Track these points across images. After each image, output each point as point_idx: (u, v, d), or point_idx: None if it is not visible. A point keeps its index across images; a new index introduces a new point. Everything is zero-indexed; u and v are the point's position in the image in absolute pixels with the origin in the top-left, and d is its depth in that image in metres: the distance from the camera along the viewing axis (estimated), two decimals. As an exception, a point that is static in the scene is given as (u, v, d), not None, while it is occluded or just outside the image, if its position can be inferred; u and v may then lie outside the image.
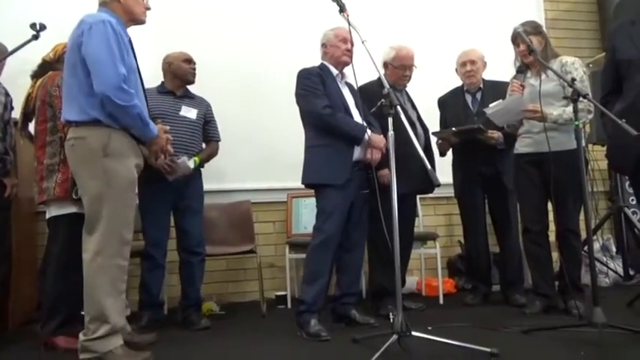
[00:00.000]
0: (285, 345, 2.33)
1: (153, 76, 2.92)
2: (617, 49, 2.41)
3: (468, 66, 3.19)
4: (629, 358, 1.85)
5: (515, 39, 2.72)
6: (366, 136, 2.50)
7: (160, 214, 2.78)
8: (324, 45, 2.73)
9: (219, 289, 3.56)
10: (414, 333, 1.97)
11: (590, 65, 4.18)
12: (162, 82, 2.97)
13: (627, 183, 4.07)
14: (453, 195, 3.34)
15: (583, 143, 2.79)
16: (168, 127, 2.31)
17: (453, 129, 3.02)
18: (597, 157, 3.39)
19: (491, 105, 2.79)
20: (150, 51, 2.93)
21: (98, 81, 1.96)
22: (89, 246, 1.99)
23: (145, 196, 2.72)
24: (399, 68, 2.96)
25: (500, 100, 2.81)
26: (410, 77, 3.02)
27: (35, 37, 2.45)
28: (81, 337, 1.97)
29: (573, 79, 2.23)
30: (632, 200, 4.06)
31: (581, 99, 2.20)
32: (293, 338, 2.41)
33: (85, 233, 2.02)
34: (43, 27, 2.45)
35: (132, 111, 2.00)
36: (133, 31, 2.23)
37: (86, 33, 1.98)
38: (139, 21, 2.21)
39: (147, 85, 2.77)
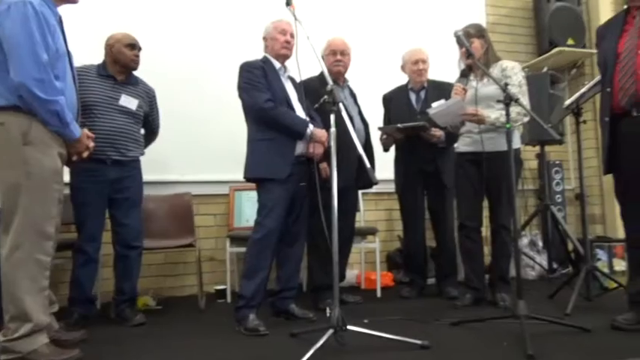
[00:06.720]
0: (222, 340, 2.30)
1: (92, 56, 2.76)
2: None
3: (420, 64, 3.24)
4: (547, 346, 1.98)
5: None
6: (308, 131, 2.51)
7: (95, 206, 2.64)
8: (264, 38, 2.69)
9: (156, 283, 3.47)
10: (349, 327, 2.01)
11: (526, 69, 4.40)
12: (104, 62, 2.75)
13: (554, 182, 4.35)
14: (394, 190, 3.42)
15: (519, 144, 2.96)
16: (94, 135, 2.20)
17: (398, 125, 3.08)
18: (528, 157, 3.59)
19: (433, 105, 2.86)
20: (90, 30, 2.76)
21: (15, 69, 1.82)
22: (6, 241, 1.87)
23: (79, 188, 2.61)
24: (330, 54, 3.01)
25: (443, 101, 2.89)
26: (344, 64, 3.03)
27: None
28: (0, 337, 1.86)
29: (506, 84, 2.32)
30: (559, 198, 4.34)
31: (513, 103, 2.30)
32: (231, 333, 2.39)
33: (1, 228, 1.89)
34: None
35: (51, 107, 1.88)
36: (73, 7, 2.11)
37: (4, 13, 1.83)
38: None
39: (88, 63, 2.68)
